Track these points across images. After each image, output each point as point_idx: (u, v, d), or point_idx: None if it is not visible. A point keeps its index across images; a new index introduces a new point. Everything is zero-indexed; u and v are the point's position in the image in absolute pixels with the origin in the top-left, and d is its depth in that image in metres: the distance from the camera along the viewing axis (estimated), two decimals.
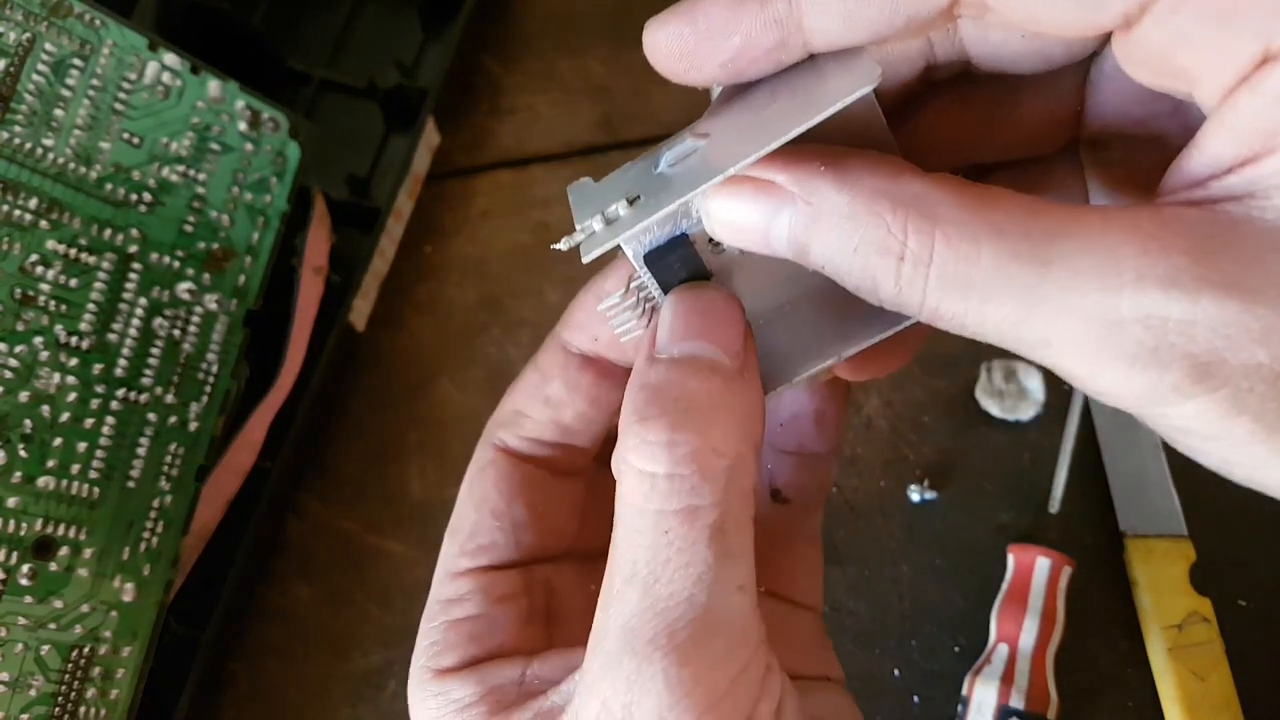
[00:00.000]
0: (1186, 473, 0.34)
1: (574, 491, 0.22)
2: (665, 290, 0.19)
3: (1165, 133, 0.18)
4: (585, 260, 0.18)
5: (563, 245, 0.18)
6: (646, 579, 0.16)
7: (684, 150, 0.19)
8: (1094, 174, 0.20)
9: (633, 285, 0.19)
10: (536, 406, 0.22)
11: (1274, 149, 0.15)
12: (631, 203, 0.18)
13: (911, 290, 0.16)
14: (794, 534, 0.23)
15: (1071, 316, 0.15)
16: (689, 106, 0.40)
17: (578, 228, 0.18)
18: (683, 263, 0.19)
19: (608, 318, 0.19)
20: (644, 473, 0.16)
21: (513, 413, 0.22)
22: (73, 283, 0.27)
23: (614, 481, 0.17)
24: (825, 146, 0.17)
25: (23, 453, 0.26)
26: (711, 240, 0.19)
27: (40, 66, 0.27)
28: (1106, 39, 0.17)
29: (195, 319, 0.30)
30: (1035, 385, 0.36)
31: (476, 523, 0.21)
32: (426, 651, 0.21)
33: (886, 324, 0.19)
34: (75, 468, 0.27)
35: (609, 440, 0.20)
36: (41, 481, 0.26)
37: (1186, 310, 0.15)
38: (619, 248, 0.18)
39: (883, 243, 0.16)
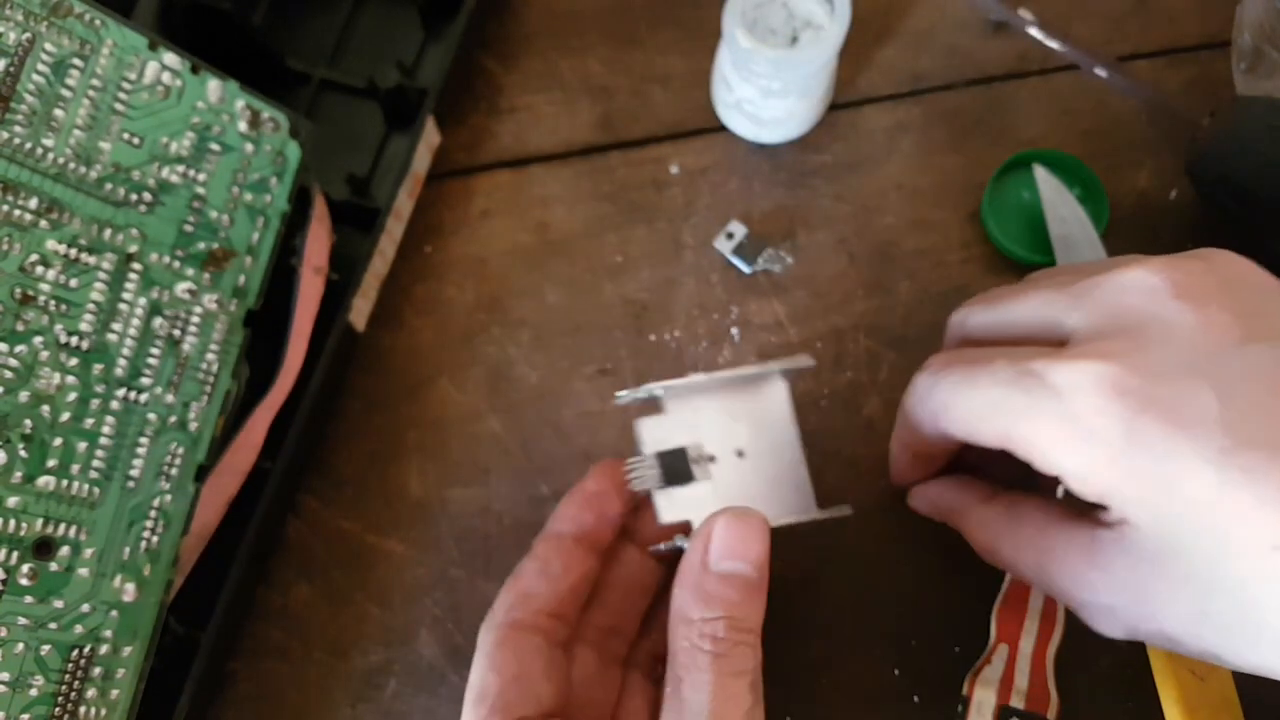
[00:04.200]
0: None
1: (563, 660, 0.28)
2: (661, 467, 0.28)
3: None
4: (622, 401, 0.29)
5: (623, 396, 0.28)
6: (713, 713, 0.24)
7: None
8: None
9: (647, 461, 0.28)
10: (541, 584, 0.28)
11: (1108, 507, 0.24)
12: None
13: (997, 564, 0.28)
14: None
15: (1061, 594, 0.26)
16: (689, 107, 0.40)
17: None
18: (677, 459, 0.28)
19: (626, 469, 0.28)
20: (707, 651, 0.24)
21: (521, 595, 0.28)
22: (73, 283, 0.27)
23: (581, 657, 0.28)
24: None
25: (23, 453, 0.26)
26: (706, 458, 0.29)
27: (40, 66, 0.27)
28: None
29: (195, 319, 0.30)
30: None
31: (502, 688, 0.26)
32: None
33: (794, 513, 0.29)
34: (75, 468, 0.27)
35: (581, 614, 0.29)
36: (41, 481, 0.26)
37: (1108, 601, 0.24)
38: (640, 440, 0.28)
39: (973, 539, 0.29)
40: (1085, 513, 0.25)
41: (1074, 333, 0.25)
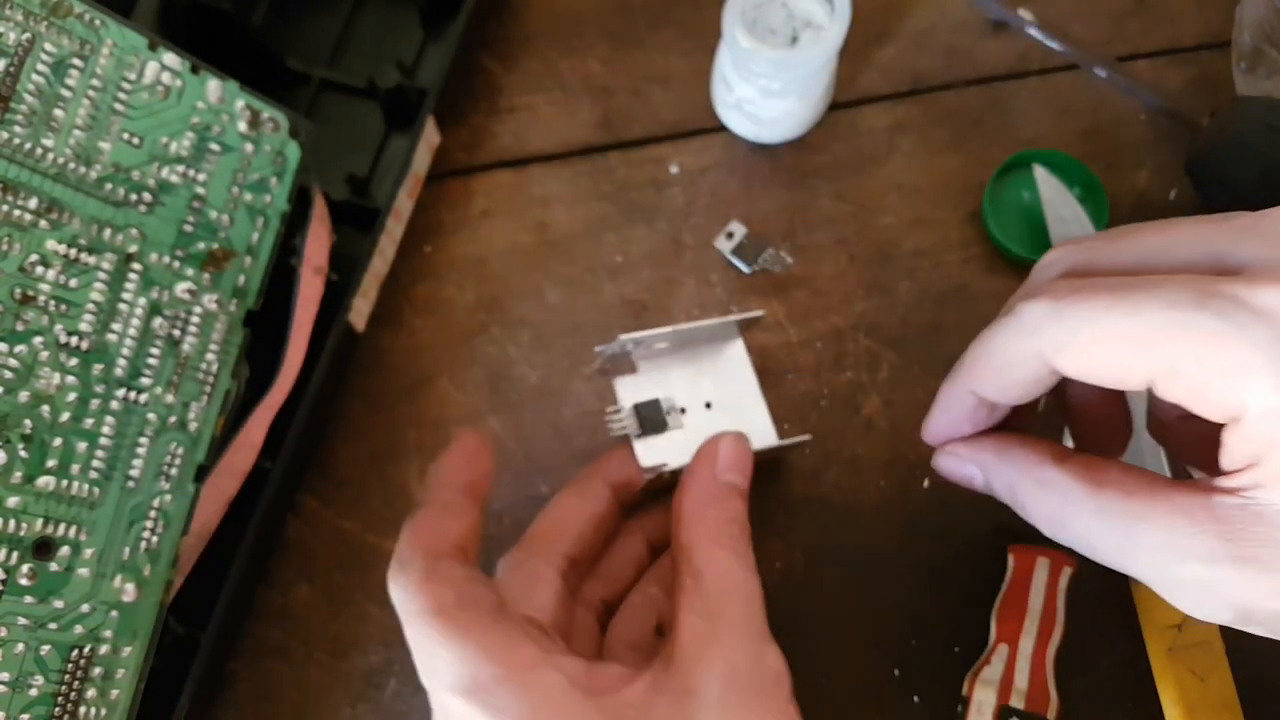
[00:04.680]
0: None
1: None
2: (638, 419, 0.32)
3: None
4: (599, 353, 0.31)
5: (598, 350, 0.31)
6: (743, 598, 0.27)
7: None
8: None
9: (624, 411, 0.32)
10: (447, 521, 0.28)
11: (1257, 462, 0.21)
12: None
13: (1056, 535, 0.25)
14: None
15: (1152, 570, 0.23)
16: (689, 107, 0.40)
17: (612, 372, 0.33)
18: (652, 410, 0.32)
19: (607, 417, 0.32)
20: (726, 548, 0.28)
21: (432, 531, 0.27)
22: (73, 283, 0.27)
23: (551, 580, 0.29)
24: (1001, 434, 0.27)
25: (23, 453, 0.26)
26: (678, 409, 0.32)
27: (40, 66, 0.27)
28: None
29: (195, 319, 0.30)
30: None
31: (491, 594, 0.27)
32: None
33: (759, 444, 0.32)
34: (75, 468, 0.27)
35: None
36: (41, 481, 0.26)
37: (1220, 576, 0.21)
38: (619, 396, 0.32)
39: (1033, 507, 0.25)
40: (1182, 480, 0.23)
41: (1248, 264, 0.22)
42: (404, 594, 0.26)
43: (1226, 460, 0.22)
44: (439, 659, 0.25)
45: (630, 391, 0.32)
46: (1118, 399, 0.28)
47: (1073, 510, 0.24)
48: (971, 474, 0.27)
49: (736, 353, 0.34)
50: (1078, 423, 0.29)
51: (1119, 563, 0.23)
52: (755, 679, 0.26)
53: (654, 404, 0.32)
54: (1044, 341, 0.23)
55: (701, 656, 0.25)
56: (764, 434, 0.33)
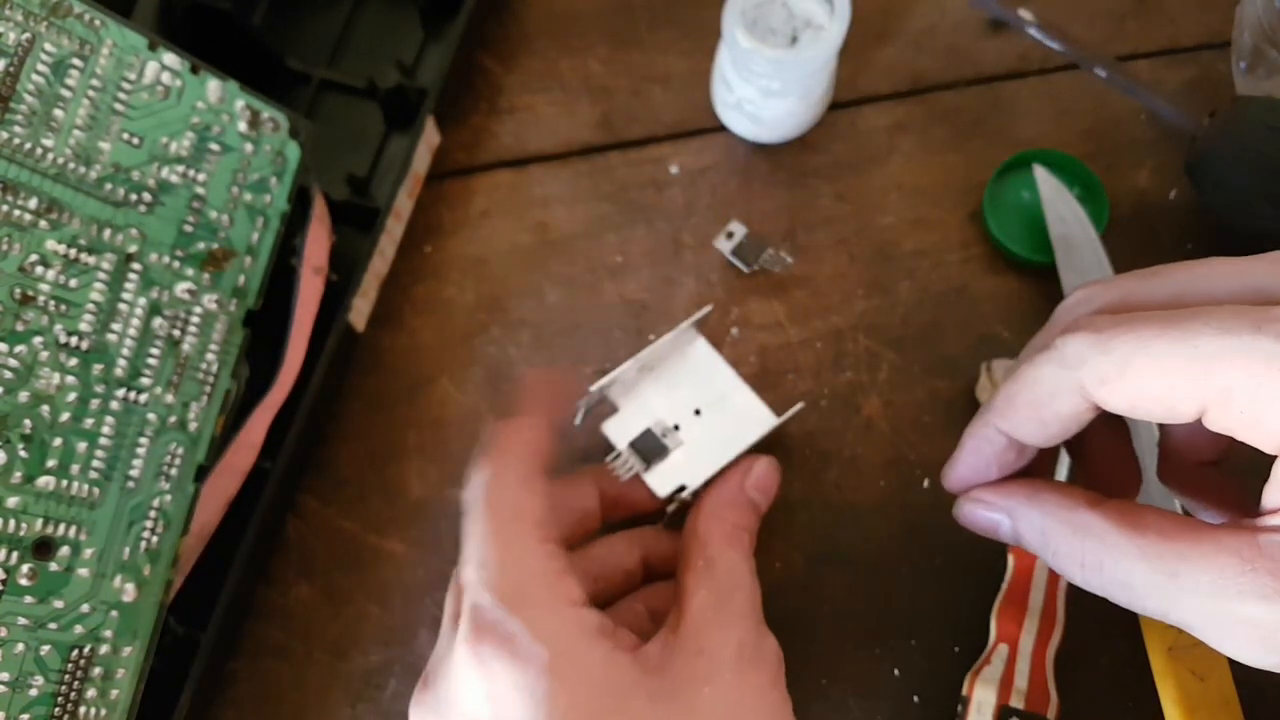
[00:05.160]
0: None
1: None
2: (637, 454, 0.33)
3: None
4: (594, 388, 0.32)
5: (593, 388, 0.32)
6: (747, 578, 0.29)
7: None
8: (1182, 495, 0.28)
9: (623, 453, 0.33)
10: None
11: None
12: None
13: (1091, 582, 0.24)
14: None
15: (1199, 614, 0.22)
16: (689, 107, 0.40)
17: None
18: (648, 440, 0.33)
19: (610, 465, 0.33)
20: (737, 546, 0.30)
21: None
22: (72, 283, 0.27)
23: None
24: (1028, 481, 0.26)
25: (23, 453, 0.26)
26: (671, 428, 0.33)
27: (40, 66, 0.27)
28: None
29: (195, 319, 0.30)
30: None
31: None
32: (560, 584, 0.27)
33: (762, 429, 0.33)
34: (75, 468, 0.27)
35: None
36: (41, 481, 0.26)
37: (1276, 616, 0.20)
38: (613, 435, 0.33)
39: (1068, 553, 0.24)
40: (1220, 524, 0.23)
41: None
42: (490, 486, 0.28)
43: (1275, 495, 0.21)
44: (493, 556, 0.27)
45: (620, 431, 0.33)
46: (1127, 445, 0.28)
47: (1112, 555, 0.23)
48: (998, 521, 0.26)
49: (703, 352, 0.34)
50: (1089, 470, 0.28)
51: (1160, 609, 0.22)
52: (760, 654, 0.27)
53: (647, 434, 0.33)
54: (1088, 374, 0.23)
55: (711, 623, 0.27)
56: (761, 416, 0.34)
